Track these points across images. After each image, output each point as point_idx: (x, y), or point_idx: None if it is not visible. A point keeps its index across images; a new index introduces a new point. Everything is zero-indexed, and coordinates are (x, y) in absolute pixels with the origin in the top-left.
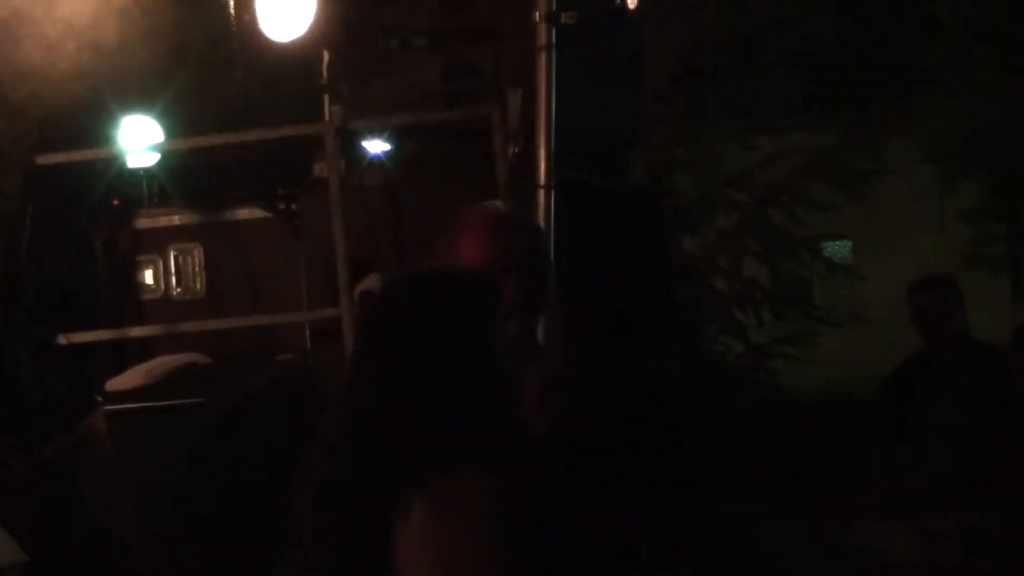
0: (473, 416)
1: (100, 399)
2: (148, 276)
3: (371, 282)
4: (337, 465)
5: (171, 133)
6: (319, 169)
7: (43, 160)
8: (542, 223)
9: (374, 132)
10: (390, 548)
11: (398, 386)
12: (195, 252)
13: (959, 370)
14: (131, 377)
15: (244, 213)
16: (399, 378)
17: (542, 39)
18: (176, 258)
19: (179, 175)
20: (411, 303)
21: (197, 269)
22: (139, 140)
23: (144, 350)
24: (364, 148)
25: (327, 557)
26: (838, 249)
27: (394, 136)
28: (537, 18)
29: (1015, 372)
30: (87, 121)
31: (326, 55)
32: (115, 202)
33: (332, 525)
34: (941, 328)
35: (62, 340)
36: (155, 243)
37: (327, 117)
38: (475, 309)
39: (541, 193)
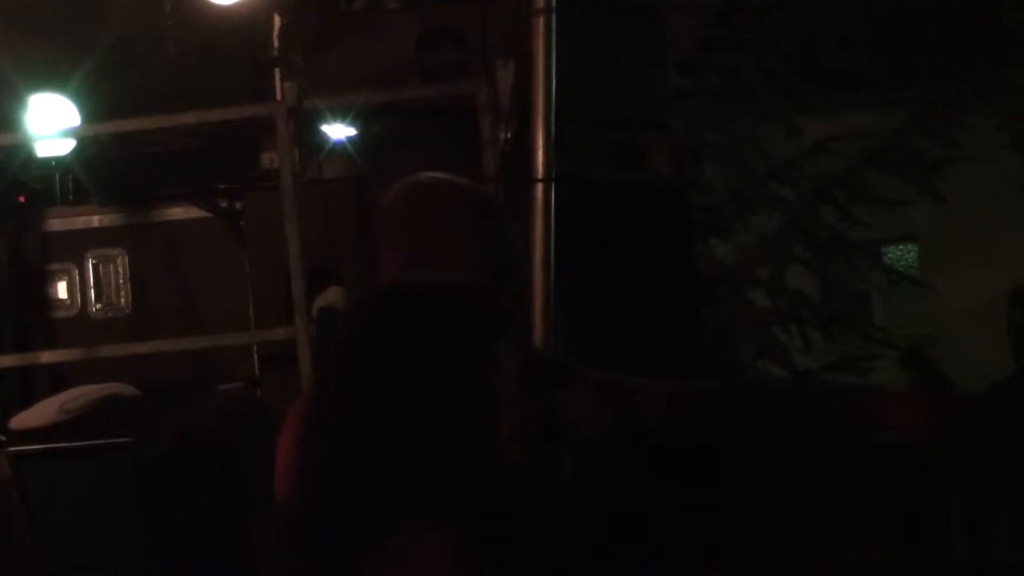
0: (457, 466)
1: (2, 439)
2: (61, 289)
3: (332, 296)
4: (295, 516)
5: (89, 116)
6: (268, 159)
7: None
8: (539, 224)
9: (335, 113)
10: None
11: (370, 429)
12: (119, 260)
13: None
14: (41, 412)
15: (178, 212)
16: (373, 419)
17: (539, 0)
18: (96, 267)
19: (99, 167)
20: (394, 326)
21: (121, 280)
22: (50, 124)
23: (57, 379)
24: (323, 133)
25: None
26: (903, 255)
27: (360, 118)
28: None
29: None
30: None
31: (276, 21)
32: (20, 199)
33: None
34: None
35: None
36: (70, 249)
37: (278, 96)
38: (476, 334)
39: (539, 188)
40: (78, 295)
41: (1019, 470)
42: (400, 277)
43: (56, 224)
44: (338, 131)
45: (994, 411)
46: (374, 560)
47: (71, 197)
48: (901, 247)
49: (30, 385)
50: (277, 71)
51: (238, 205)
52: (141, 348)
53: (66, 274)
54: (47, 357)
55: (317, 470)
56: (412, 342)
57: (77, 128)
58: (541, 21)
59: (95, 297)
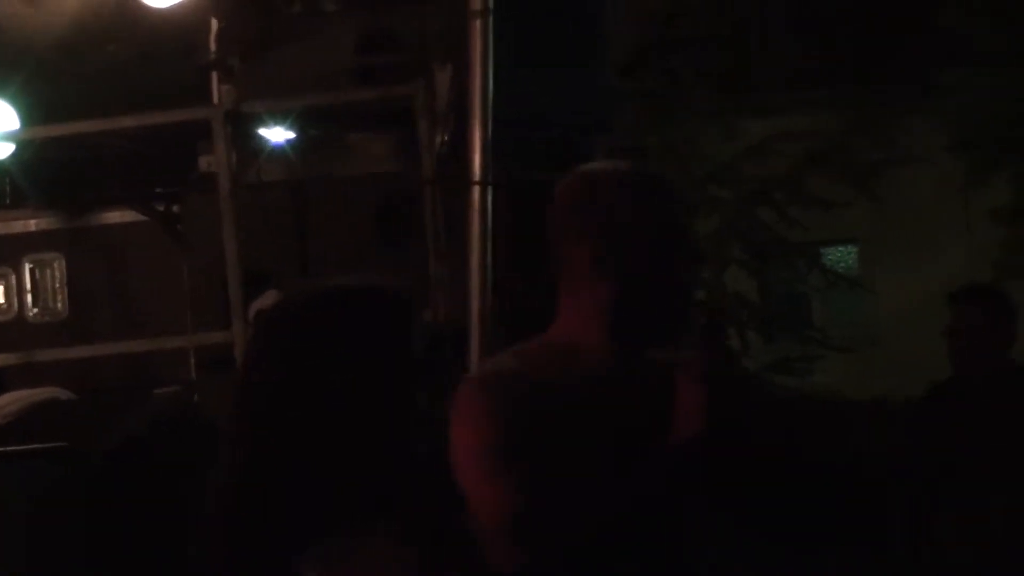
0: (382, 470)
1: None
2: None
3: (269, 300)
4: (222, 526)
5: (28, 119)
6: (206, 162)
7: None
8: (477, 227)
9: (273, 117)
10: None
11: (290, 432)
12: (56, 264)
13: (1005, 401)
14: None
15: (115, 216)
16: (292, 422)
17: (476, 2)
18: (32, 271)
19: (37, 170)
20: (308, 328)
21: (58, 284)
22: None
23: None
24: (261, 136)
25: None
26: (842, 256)
27: (298, 121)
28: None
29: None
30: None
31: (214, 24)
32: None
33: None
34: (986, 353)
35: None
36: (7, 253)
37: (215, 99)
38: (391, 336)
39: (475, 191)
40: (15, 299)
41: (972, 462)
42: (314, 282)
43: None
44: (276, 134)
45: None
46: (313, 556)
47: (8, 201)
48: (840, 248)
49: None
50: (215, 74)
51: (176, 209)
52: (78, 352)
53: (3, 278)
54: None
55: (245, 471)
56: (336, 340)
57: (16, 132)
58: (478, 23)
59: (32, 301)
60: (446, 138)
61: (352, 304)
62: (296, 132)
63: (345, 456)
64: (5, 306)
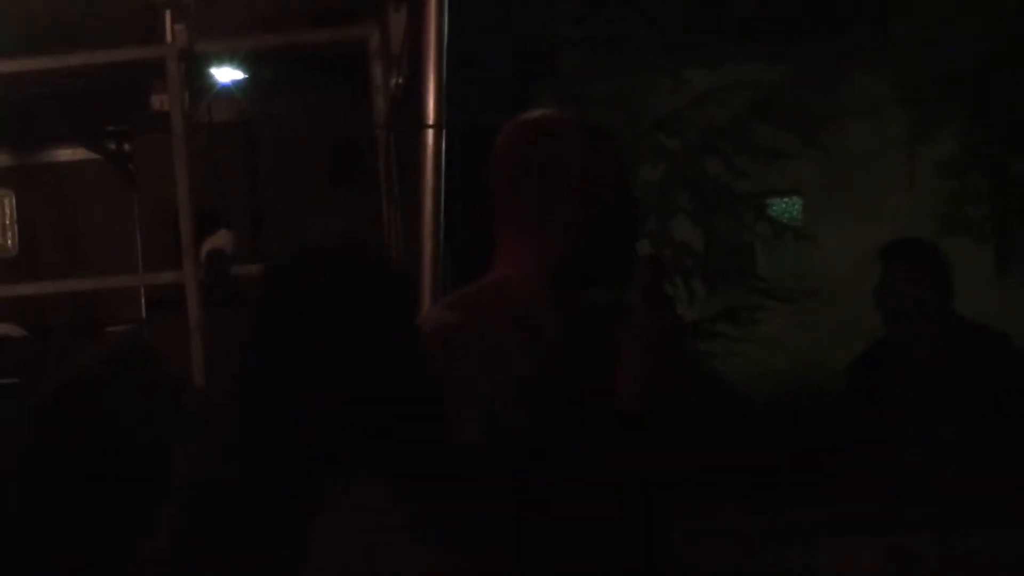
0: (390, 417)
1: None
2: None
3: (220, 240)
4: (228, 469)
5: None
6: (158, 102)
7: None
8: (430, 170)
9: (225, 57)
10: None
11: (299, 386)
12: (6, 201)
13: (946, 360)
14: None
15: (66, 154)
16: (300, 377)
17: None
18: None
19: None
20: (306, 290)
21: (8, 221)
22: None
23: None
24: (213, 76)
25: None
26: (787, 208)
27: (249, 62)
28: None
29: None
30: None
31: None
32: None
33: (226, 536)
34: (919, 312)
35: None
36: None
37: (168, 38)
38: (388, 293)
39: (430, 134)
40: None
41: (907, 413)
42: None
43: None
44: (227, 74)
45: None
46: (317, 508)
47: None
48: (785, 200)
49: None
50: (167, 13)
51: (127, 147)
52: (27, 289)
53: None
54: None
55: (250, 425)
56: (335, 300)
57: None
58: None
59: None
60: (400, 81)
61: (351, 261)
62: (248, 73)
63: (350, 406)
64: None
